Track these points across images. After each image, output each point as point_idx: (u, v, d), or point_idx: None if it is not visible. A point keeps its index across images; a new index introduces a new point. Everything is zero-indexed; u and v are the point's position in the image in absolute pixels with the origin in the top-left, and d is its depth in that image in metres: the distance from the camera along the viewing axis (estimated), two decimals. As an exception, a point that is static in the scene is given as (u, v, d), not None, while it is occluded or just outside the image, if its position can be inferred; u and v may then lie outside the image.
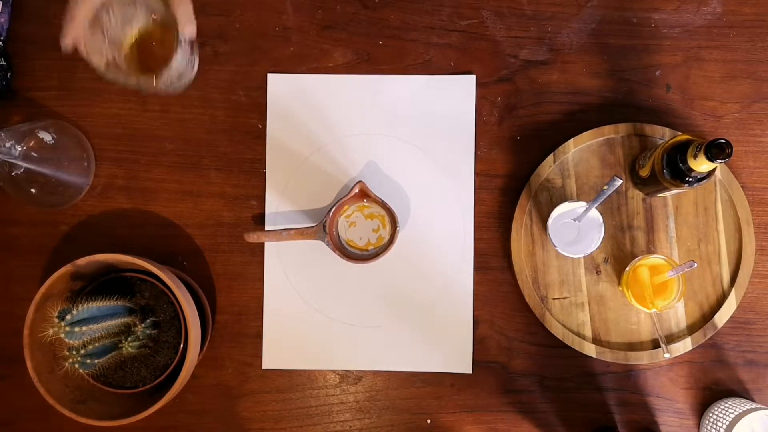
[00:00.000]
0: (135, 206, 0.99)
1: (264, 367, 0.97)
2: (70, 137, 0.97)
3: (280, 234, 0.94)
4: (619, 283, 0.94)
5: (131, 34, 0.75)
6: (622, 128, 0.96)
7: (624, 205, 0.96)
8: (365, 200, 0.97)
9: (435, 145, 0.98)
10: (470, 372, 0.96)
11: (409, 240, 0.97)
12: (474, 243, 0.97)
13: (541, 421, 0.96)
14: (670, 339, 0.94)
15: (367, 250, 0.97)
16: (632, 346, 0.95)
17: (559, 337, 0.94)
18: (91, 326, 0.81)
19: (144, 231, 0.98)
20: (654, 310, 0.89)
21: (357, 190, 0.94)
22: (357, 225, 0.97)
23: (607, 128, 0.96)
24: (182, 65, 0.74)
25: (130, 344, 0.87)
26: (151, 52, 0.76)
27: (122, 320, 0.87)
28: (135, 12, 0.74)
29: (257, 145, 0.99)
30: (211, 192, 0.99)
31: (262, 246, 0.98)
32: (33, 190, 0.94)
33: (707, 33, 0.99)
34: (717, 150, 0.76)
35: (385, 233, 0.97)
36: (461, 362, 0.96)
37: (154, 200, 0.99)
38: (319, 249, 0.97)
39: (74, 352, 0.81)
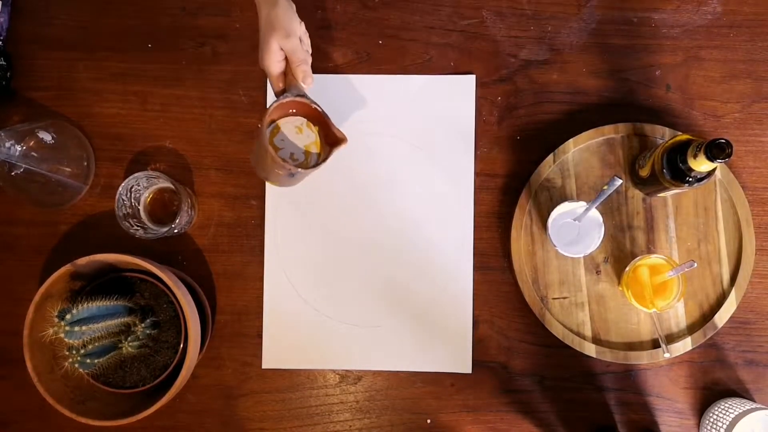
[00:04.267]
0: (135, 206, 0.99)
1: (264, 366, 0.97)
2: (70, 137, 0.97)
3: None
4: (619, 283, 0.94)
5: None
6: (622, 128, 0.95)
7: (624, 205, 0.96)
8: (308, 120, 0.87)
9: (435, 145, 0.98)
10: (470, 372, 0.96)
11: (409, 240, 0.97)
12: (474, 243, 0.97)
13: (541, 421, 0.96)
14: (670, 339, 0.94)
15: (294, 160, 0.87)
16: (632, 346, 0.95)
17: (559, 336, 0.94)
18: (90, 326, 0.81)
19: (144, 231, 0.98)
20: (654, 309, 0.89)
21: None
22: (301, 133, 0.88)
23: (607, 128, 0.96)
24: None
25: (130, 344, 0.87)
26: None
27: (122, 320, 0.87)
28: None
29: (257, 145, 0.99)
30: (211, 192, 0.99)
31: (262, 246, 0.98)
32: (33, 190, 0.94)
33: (707, 33, 0.99)
34: (717, 150, 0.76)
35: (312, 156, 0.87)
36: (461, 362, 0.96)
37: (154, 200, 0.99)
38: (319, 249, 0.97)
39: (74, 352, 0.81)
